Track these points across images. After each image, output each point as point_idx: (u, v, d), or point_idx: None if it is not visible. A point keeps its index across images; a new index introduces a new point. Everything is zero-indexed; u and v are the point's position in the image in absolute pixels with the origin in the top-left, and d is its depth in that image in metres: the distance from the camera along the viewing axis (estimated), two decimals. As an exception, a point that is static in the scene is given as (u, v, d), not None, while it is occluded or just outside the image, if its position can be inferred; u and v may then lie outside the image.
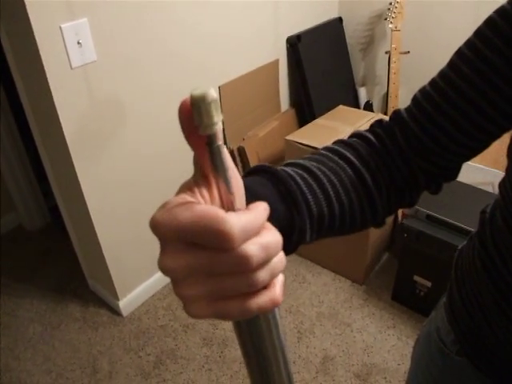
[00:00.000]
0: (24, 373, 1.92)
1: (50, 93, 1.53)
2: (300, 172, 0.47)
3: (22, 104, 1.77)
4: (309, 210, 0.45)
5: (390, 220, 2.30)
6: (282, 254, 0.29)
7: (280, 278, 0.30)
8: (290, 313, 2.12)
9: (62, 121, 1.59)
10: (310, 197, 0.45)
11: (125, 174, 1.88)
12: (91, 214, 1.81)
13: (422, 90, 0.53)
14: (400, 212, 2.27)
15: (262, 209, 0.29)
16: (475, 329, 0.63)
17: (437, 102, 0.50)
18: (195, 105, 0.26)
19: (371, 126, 0.56)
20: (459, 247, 0.74)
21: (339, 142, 0.54)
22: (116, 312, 2.16)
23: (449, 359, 0.69)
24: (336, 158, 0.51)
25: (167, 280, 2.30)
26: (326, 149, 0.53)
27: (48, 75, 1.50)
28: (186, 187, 0.30)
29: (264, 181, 0.43)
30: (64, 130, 1.61)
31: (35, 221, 2.73)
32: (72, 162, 1.68)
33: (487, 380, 0.64)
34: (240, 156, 2.29)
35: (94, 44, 1.58)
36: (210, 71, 2.08)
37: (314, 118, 2.46)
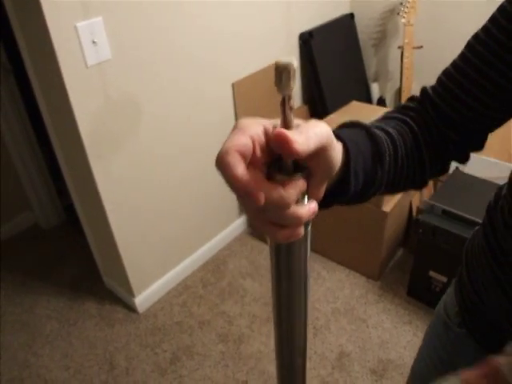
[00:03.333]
0: (43, 368, 1.94)
1: (66, 91, 1.54)
2: (385, 137, 0.54)
3: (38, 103, 1.78)
4: (388, 170, 0.54)
5: (405, 215, 2.28)
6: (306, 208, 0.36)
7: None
8: (305, 309, 2.12)
9: (77, 119, 1.60)
10: (391, 160, 0.54)
11: (140, 172, 1.90)
12: (107, 211, 1.83)
13: (445, 71, 0.61)
14: (415, 207, 2.26)
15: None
16: (477, 302, 0.70)
17: (457, 79, 0.58)
18: (278, 70, 0.31)
19: (407, 100, 0.64)
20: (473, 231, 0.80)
21: (397, 112, 0.62)
22: (132, 309, 2.18)
23: (451, 331, 0.77)
24: (402, 124, 0.59)
25: (182, 277, 2.31)
26: (393, 115, 0.61)
27: (64, 74, 1.51)
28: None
29: (362, 136, 0.51)
30: (80, 128, 1.62)
31: (51, 219, 2.76)
32: (87, 160, 1.70)
33: (484, 351, 0.69)
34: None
35: (108, 43, 1.59)
36: (224, 69, 2.09)
37: (327, 114, 2.46)
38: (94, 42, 1.55)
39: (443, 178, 2.33)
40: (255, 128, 0.35)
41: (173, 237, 2.18)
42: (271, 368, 1.88)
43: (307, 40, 2.44)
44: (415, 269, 2.05)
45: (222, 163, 0.33)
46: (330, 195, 0.47)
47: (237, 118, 2.23)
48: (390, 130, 0.55)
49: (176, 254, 2.25)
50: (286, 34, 2.39)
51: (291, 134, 0.31)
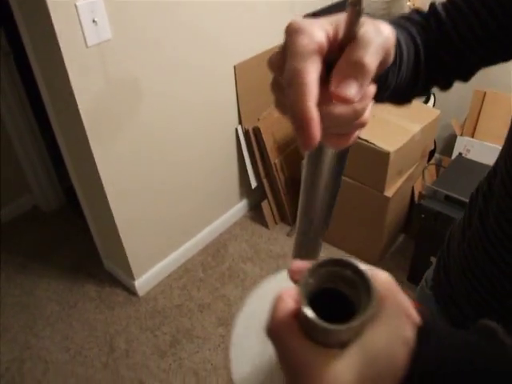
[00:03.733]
0: (43, 350, 1.95)
1: (66, 71, 1.52)
2: (409, 37, 0.53)
3: (38, 85, 1.76)
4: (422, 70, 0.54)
5: (406, 201, 2.27)
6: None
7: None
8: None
9: (77, 100, 1.58)
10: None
11: (140, 154, 1.88)
12: (107, 193, 1.81)
13: None
14: (417, 193, 2.24)
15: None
16: (444, 266, 0.78)
17: (471, 1, 0.55)
18: None
19: (412, 12, 0.60)
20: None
21: (403, 19, 0.59)
22: (132, 292, 2.18)
23: (423, 293, 0.85)
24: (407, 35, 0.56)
25: (182, 260, 2.31)
26: (400, 21, 0.58)
27: (64, 54, 1.49)
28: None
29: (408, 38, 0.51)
30: (80, 109, 1.60)
31: (50, 202, 2.75)
32: (88, 142, 1.68)
33: (446, 313, 0.78)
34: (255, 136, 2.27)
35: (109, 22, 1.56)
36: (226, 50, 2.05)
37: (329, 97, 2.43)
38: (94, 22, 1.52)
39: (446, 163, 2.32)
40: (320, 33, 0.33)
41: (173, 220, 2.17)
42: (271, 351, 1.89)
43: (310, 22, 2.40)
44: (416, 254, 2.05)
45: (299, 65, 0.31)
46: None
47: (238, 99, 2.20)
48: (416, 37, 0.55)
49: (176, 237, 2.25)
50: (290, 16, 2.35)
51: (350, 93, 0.31)
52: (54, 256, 2.42)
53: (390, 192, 1.99)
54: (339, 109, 0.33)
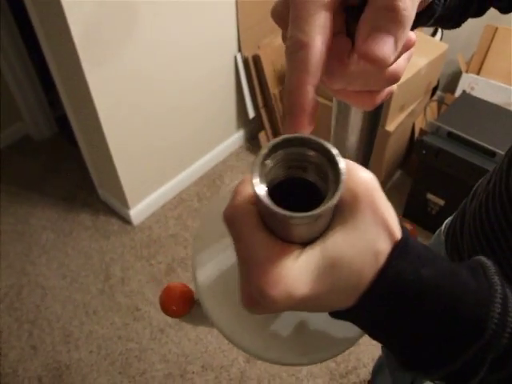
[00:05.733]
0: (40, 276, 1.97)
1: (56, -13, 1.42)
2: None
3: (26, 8, 1.64)
4: None
5: (406, 136, 2.24)
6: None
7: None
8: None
9: (69, 22, 1.48)
10: None
11: (136, 80, 1.80)
12: (101, 121, 1.76)
13: None
14: (417, 129, 2.21)
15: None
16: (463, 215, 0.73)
17: None
18: None
19: None
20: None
21: None
22: (126, 221, 2.17)
23: (438, 238, 0.81)
24: None
25: (177, 191, 2.29)
26: None
27: (52, -33, 1.38)
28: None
29: None
30: (72, 31, 1.50)
31: (42, 131, 2.68)
32: (81, 66, 1.60)
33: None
34: (255, 65, 2.18)
35: None
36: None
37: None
38: None
39: (449, 101, 2.26)
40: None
41: (169, 149, 2.13)
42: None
43: None
44: (413, 190, 2.04)
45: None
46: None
47: (238, 25, 2.09)
48: None
49: (171, 167, 2.22)
50: None
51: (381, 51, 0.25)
52: (47, 185, 2.39)
53: (391, 127, 1.95)
54: (367, 67, 0.27)
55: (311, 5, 0.25)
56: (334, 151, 0.25)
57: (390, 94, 0.31)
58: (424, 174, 1.95)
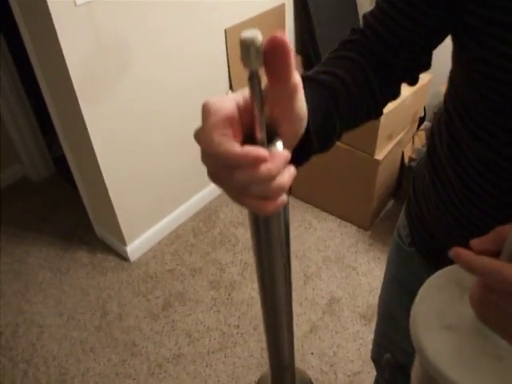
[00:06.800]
0: (37, 315, 1.96)
1: (55, 32, 1.49)
2: (336, 81, 0.53)
3: (26, 49, 1.72)
4: (343, 114, 0.53)
5: (396, 165, 2.29)
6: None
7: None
8: (297, 257, 2.15)
9: (67, 61, 1.56)
10: (345, 103, 0.53)
11: (131, 117, 1.86)
12: (98, 158, 1.80)
13: None
14: (407, 157, 2.26)
15: (284, 158, 0.35)
16: (420, 215, 0.76)
17: (393, 2, 0.57)
18: (245, 44, 0.29)
19: (350, 33, 0.62)
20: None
21: (342, 49, 0.60)
22: (123, 257, 2.19)
23: (402, 251, 0.83)
24: (348, 62, 0.57)
25: (174, 226, 2.31)
26: (338, 54, 0.60)
27: (52, 13, 1.45)
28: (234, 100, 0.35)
29: (314, 88, 0.50)
30: (70, 71, 1.58)
31: (40, 172, 2.73)
32: (79, 106, 1.66)
33: (431, 267, 0.74)
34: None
35: (95, -21, 1.53)
36: (217, 14, 2.02)
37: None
38: (80, -22, 1.49)
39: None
40: (229, 105, 0.34)
41: (164, 186, 2.17)
42: (262, 313, 1.91)
43: (301, -14, 2.37)
44: (406, 218, 2.07)
45: (210, 138, 0.33)
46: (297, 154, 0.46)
47: (229, 64, 2.18)
48: (338, 72, 0.54)
49: (167, 203, 2.25)
50: (280, -21, 2.32)
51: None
52: (45, 224, 2.42)
53: (380, 155, 2.00)
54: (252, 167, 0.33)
55: (213, 125, 0.33)
56: None
57: (281, 205, 0.36)
58: (415, 200, 1.98)
